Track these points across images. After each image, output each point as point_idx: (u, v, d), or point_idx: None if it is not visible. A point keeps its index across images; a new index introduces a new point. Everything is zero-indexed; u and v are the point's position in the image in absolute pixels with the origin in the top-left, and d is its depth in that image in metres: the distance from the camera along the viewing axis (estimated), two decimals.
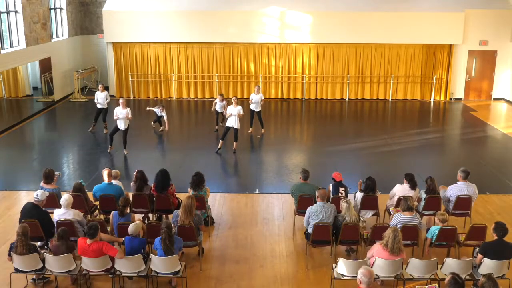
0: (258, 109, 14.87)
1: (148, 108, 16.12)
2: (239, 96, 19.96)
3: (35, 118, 17.46)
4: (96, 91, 15.14)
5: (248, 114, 15.11)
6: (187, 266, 7.42)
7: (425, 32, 19.11)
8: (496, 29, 19.34)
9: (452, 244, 7.67)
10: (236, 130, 13.10)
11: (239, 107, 13.12)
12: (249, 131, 15.16)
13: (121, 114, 12.70)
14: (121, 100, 12.93)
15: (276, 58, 19.94)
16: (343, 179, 8.83)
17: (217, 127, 15.40)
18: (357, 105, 19.57)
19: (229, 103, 14.11)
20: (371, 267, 6.53)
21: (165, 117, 14.77)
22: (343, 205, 7.61)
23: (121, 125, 12.82)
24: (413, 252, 7.70)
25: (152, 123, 15.71)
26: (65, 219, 7.57)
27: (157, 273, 6.94)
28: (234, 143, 13.29)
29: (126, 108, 12.80)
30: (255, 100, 14.73)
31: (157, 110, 15.13)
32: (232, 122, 13.02)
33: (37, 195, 7.62)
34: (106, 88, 15.55)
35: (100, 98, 14.75)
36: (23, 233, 6.71)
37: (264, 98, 15.72)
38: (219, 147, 13.36)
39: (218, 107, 15.13)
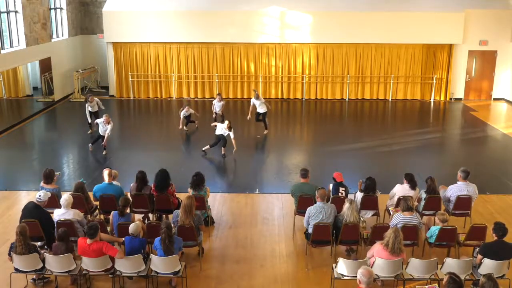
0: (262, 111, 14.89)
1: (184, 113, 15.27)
2: (239, 96, 20.01)
3: (35, 118, 17.46)
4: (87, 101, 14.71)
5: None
6: (187, 266, 7.42)
7: (425, 32, 19.11)
8: (496, 29, 19.34)
9: (452, 244, 7.67)
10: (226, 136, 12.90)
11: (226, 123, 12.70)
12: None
13: (102, 127, 12.87)
14: (104, 117, 12.84)
15: (276, 58, 19.93)
16: (344, 179, 8.83)
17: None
18: (357, 105, 19.57)
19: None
20: (371, 267, 6.53)
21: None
22: (346, 204, 7.58)
23: (101, 132, 13.06)
24: (413, 252, 7.70)
25: (185, 127, 15.31)
26: (65, 219, 7.57)
27: (157, 273, 6.93)
28: (223, 148, 13.05)
29: (108, 124, 12.77)
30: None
31: (183, 111, 15.07)
32: (221, 130, 12.75)
33: (39, 196, 7.61)
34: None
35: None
36: (21, 232, 6.70)
37: (264, 98, 15.73)
38: (222, 152, 13.00)
39: (216, 109, 15.19)
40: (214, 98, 16.00)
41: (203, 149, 13.03)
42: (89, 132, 15.13)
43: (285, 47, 19.82)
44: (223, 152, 12.99)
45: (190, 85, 20.31)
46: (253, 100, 15.02)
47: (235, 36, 19.46)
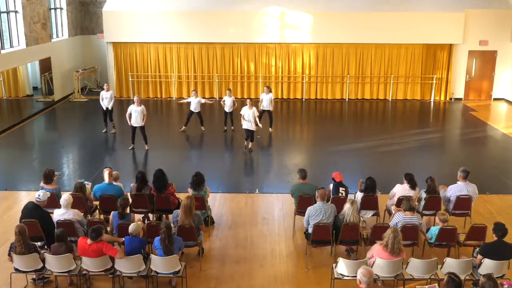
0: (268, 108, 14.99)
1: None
2: (239, 96, 19.97)
3: (35, 118, 17.46)
4: (101, 91, 15.10)
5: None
6: (187, 266, 7.42)
7: (425, 32, 19.11)
8: (496, 29, 19.34)
9: (452, 244, 7.67)
10: (252, 131, 13.10)
11: (254, 109, 13.10)
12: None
13: (135, 112, 12.92)
14: (136, 98, 13.09)
15: (276, 58, 19.94)
16: (343, 179, 8.82)
17: (225, 128, 15.20)
18: (357, 105, 19.57)
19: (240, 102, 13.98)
20: (371, 267, 6.53)
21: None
22: (347, 204, 7.57)
23: (138, 123, 13.01)
24: (413, 252, 7.70)
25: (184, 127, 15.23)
26: (65, 219, 7.57)
27: (157, 273, 6.94)
28: (250, 142, 13.30)
29: (140, 105, 13.00)
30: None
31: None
32: (248, 124, 12.95)
33: (38, 195, 7.61)
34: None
35: (106, 98, 14.81)
36: (19, 232, 6.70)
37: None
38: (249, 146, 13.27)
39: (228, 105, 14.72)
40: (214, 98, 15.95)
41: (249, 147, 13.24)
42: (103, 130, 15.10)
43: (285, 47, 19.82)
44: (249, 147, 13.22)
45: (190, 85, 20.29)
46: (263, 95, 14.93)
47: (235, 36, 19.46)
